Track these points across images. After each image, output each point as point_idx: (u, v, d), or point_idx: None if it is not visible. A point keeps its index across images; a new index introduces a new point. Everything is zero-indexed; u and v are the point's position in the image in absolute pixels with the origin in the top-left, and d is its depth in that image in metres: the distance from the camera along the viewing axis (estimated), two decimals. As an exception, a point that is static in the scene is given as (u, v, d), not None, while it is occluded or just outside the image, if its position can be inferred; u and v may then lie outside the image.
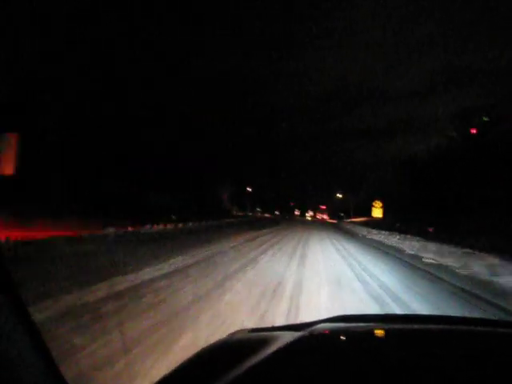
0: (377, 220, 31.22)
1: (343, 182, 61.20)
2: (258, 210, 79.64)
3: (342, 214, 54.24)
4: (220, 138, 42.21)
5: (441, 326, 1.24)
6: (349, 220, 48.20)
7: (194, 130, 30.07)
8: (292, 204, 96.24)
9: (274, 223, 30.56)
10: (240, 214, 56.71)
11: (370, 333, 1.16)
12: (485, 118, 26.57)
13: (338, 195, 59.45)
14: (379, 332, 1.17)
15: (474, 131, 27.33)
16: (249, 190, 68.11)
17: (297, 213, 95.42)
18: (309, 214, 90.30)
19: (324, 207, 75.66)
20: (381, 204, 22.48)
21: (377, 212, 22.65)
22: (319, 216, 72.77)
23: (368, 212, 45.28)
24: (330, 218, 62.97)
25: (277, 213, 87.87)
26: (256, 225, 25.04)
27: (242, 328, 1.35)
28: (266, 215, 68.83)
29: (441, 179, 22.37)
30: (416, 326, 1.23)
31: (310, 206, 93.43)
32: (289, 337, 0.98)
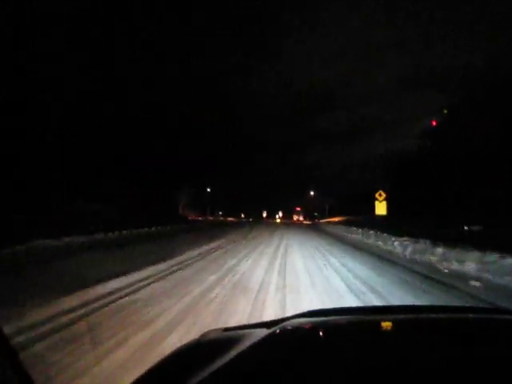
0: (359, 220, 28.56)
1: (317, 183, 62.99)
2: (220, 213, 78.49)
3: (316, 214, 56.49)
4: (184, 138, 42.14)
5: (417, 315, 1.29)
6: (324, 220, 48.93)
7: (167, 129, 30.10)
8: (262, 207, 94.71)
9: (233, 229, 25.31)
10: (199, 218, 55.78)
11: (340, 326, 1.18)
12: (445, 111, 28.06)
13: (311, 193, 61.60)
14: (348, 324, 1.18)
15: (434, 123, 29.14)
16: (208, 190, 67.27)
17: (265, 215, 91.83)
18: (278, 216, 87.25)
19: (299, 208, 75.76)
20: (384, 195, 17.37)
21: (381, 208, 17.59)
22: (295, 218, 70.90)
23: (346, 211, 47.48)
24: (305, 220, 63.13)
25: (242, 216, 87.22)
26: (206, 233, 19.78)
27: (215, 328, 1.34)
28: (230, 219, 66.57)
29: (439, 177, 22.00)
30: (391, 317, 1.27)
31: (282, 208, 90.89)
32: (260, 334, 1.00)
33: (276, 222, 55.21)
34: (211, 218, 60.35)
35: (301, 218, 68.73)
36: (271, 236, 18.86)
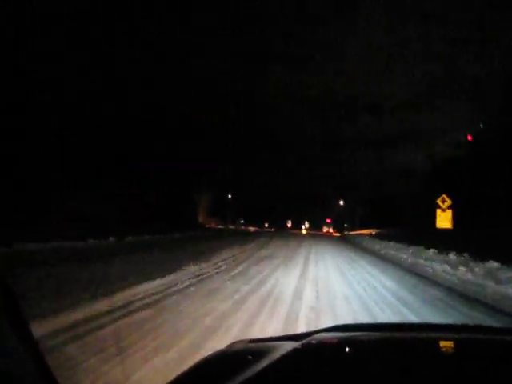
0: (394, 232, 25.44)
1: (346, 193, 60.68)
2: (242, 221, 75.65)
3: (346, 225, 54.04)
4: (214, 139, 40.98)
5: (440, 334, 1.29)
6: (355, 232, 46.00)
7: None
8: (287, 217, 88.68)
9: (248, 241, 21.44)
10: (219, 226, 53.90)
11: (369, 342, 1.18)
12: (481, 125, 27.94)
13: (340, 203, 58.77)
14: (378, 341, 1.19)
15: (469, 138, 28.63)
16: (229, 197, 65.54)
17: (290, 225, 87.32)
18: (304, 227, 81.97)
19: (329, 220, 71.11)
20: (449, 202, 13.65)
21: (444, 218, 13.57)
22: (325, 229, 66.07)
23: (377, 223, 44.27)
24: (334, 232, 58.64)
25: (266, 225, 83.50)
26: (215, 245, 16.67)
27: (241, 339, 1.39)
28: (251, 228, 63.03)
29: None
30: (414, 335, 1.28)
31: (309, 219, 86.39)
32: (288, 347, 1.01)
33: (301, 233, 50.89)
34: (232, 227, 58.53)
35: (330, 230, 63.42)
36: (293, 248, 17.72)
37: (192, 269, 8.34)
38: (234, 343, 1.29)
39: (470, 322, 6.42)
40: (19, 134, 16.03)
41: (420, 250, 13.26)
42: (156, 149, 25.11)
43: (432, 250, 12.24)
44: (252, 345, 1.23)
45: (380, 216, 47.67)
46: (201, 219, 57.20)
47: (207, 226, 49.77)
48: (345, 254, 16.62)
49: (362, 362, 0.96)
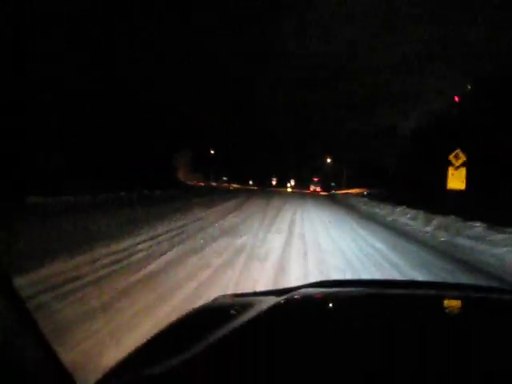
0: (382, 192, 25.46)
1: (334, 152, 58.71)
2: (225, 178, 73.59)
3: (333, 184, 52.16)
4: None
5: (424, 291, 1.29)
6: (342, 192, 45.42)
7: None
8: (272, 173, 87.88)
9: (222, 200, 18.42)
10: (201, 183, 52.38)
11: (352, 297, 1.18)
12: (468, 87, 28.50)
13: (327, 160, 56.73)
14: (361, 297, 1.19)
15: (457, 99, 29.49)
16: (212, 153, 62.00)
17: (275, 183, 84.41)
18: (290, 185, 78.43)
19: (317, 179, 68.04)
20: (463, 158, 11.47)
21: (457, 178, 11.50)
22: (311, 188, 62.93)
23: (362, 182, 43.27)
24: (321, 191, 57.11)
25: (250, 182, 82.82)
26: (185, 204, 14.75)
27: (226, 294, 1.42)
28: (234, 185, 60.51)
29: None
30: (399, 291, 1.28)
31: (295, 177, 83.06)
32: (271, 302, 1.02)
33: (286, 191, 48.21)
34: (214, 184, 56.08)
35: (318, 189, 60.43)
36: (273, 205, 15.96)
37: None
38: (218, 297, 1.30)
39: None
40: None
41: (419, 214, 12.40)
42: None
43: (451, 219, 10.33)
44: (236, 299, 1.25)
45: (367, 176, 46.83)
46: (182, 177, 55.90)
47: (189, 183, 47.73)
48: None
49: (344, 317, 0.97)
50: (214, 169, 63.04)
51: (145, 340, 0.89)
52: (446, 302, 1.18)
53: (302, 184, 75.20)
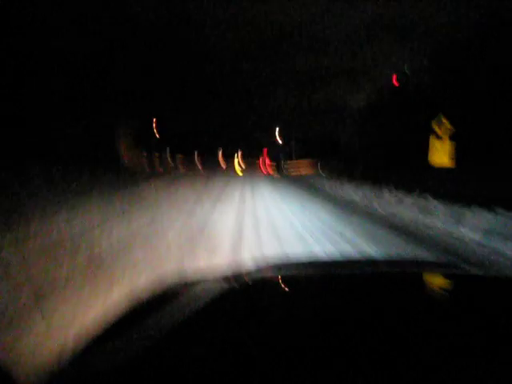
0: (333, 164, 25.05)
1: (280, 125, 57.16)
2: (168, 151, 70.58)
3: (282, 155, 50.04)
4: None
5: (370, 269, 1.30)
6: (290, 163, 45.61)
7: None
8: (218, 144, 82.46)
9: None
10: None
11: (305, 280, 1.18)
12: (406, 70, 27.52)
13: (276, 129, 54.75)
14: (313, 279, 1.19)
15: (395, 82, 28.36)
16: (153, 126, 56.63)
17: (220, 154, 73.31)
18: (237, 158, 65.69)
19: (266, 150, 58.90)
20: (449, 127, 8.91)
21: (441, 151, 8.46)
22: (262, 169, 54.43)
23: (312, 154, 42.77)
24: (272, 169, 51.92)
25: (196, 154, 78.81)
26: None
27: (174, 273, 1.35)
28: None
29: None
30: (352, 271, 1.27)
31: (247, 147, 71.33)
32: (223, 286, 1.02)
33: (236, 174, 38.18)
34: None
35: (269, 171, 51.29)
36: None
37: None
38: (164, 278, 1.24)
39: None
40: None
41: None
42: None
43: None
44: (184, 283, 1.19)
45: (314, 150, 45.20)
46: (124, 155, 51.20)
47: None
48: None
49: (298, 301, 0.94)
50: (154, 141, 57.32)
51: (92, 326, 0.82)
52: (398, 279, 1.14)
53: (250, 156, 67.92)
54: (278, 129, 55.42)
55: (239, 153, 78.21)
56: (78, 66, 24.74)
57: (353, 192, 12.98)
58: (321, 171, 29.52)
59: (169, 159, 60.21)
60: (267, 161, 57.45)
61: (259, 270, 1.27)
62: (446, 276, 1.15)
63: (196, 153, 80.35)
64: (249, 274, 1.19)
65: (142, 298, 1.05)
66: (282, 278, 1.17)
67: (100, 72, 29.08)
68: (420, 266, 1.39)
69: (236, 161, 67.21)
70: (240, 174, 49.07)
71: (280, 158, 51.98)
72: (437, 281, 1.11)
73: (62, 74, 22.45)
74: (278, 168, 50.11)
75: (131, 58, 39.88)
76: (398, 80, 27.42)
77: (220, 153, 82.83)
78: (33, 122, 18.19)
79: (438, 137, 9.44)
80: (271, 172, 51.51)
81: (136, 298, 1.03)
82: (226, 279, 1.09)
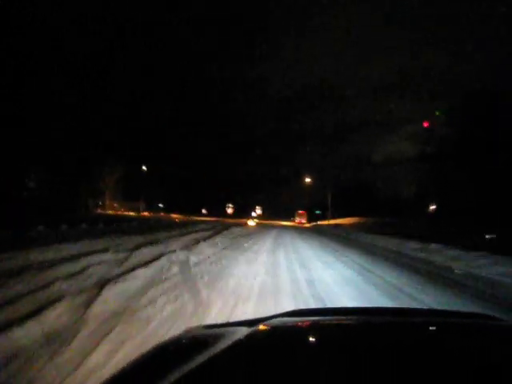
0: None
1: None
2: (160, 206, 60.12)
3: (319, 212, 42.96)
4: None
5: (395, 319, 1.29)
6: (329, 222, 35.42)
7: None
8: (228, 199, 69.38)
9: None
10: (130, 213, 38.68)
11: (322, 327, 1.18)
12: (438, 113, 30.02)
13: (306, 180, 45.64)
14: (331, 325, 1.19)
15: (426, 125, 31.21)
16: (144, 169, 47.93)
17: (230, 211, 65.95)
18: (252, 216, 57.95)
19: (303, 212, 54.87)
20: None
21: None
22: (298, 220, 53.01)
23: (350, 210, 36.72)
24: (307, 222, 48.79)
25: (204, 212, 69.54)
26: None
27: (197, 325, 1.36)
28: (175, 216, 44.94)
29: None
30: (371, 319, 1.28)
31: (263, 203, 66.80)
32: (241, 332, 1.01)
33: (250, 227, 27.89)
34: (146, 214, 41.14)
35: (303, 221, 51.83)
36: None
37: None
38: (189, 329, 1.27)
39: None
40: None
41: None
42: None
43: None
44: (207, 331, 1.23)
45: (355, 203, 41.11)
46: (107, 202, 43.11)
47: (110, 212, 36.61)
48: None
49: (317, 347, 0.95)
50: (146, 192, 47.02)
51: (113, 373, 0.86)
52: (420, 329, 1.13)
53: (274, 213, 60.64)
54: (308, 179, 45.96)
55: (258, 211, 68.54)
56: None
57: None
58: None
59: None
60: (304, 220, 52.74)
61: (281, 316, 1.28)
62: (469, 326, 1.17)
63: (204, 211, 72.02)
64: (271, 321, 1.17)
65: (169, 345, 1.07)
66: (309, 325, 1.19)
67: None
68: (453, 316, 1.40)
69: (251, 221, 57.29)
70: (252, 224, 37.98)
71: (315, 214, 47.77)
72: (454, 331, 1.09)
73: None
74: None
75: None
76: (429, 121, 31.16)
77: (229, 210, 71.63)
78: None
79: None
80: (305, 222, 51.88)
81: (162, 345, 1.05)
82: (249, 325, 1.09)
